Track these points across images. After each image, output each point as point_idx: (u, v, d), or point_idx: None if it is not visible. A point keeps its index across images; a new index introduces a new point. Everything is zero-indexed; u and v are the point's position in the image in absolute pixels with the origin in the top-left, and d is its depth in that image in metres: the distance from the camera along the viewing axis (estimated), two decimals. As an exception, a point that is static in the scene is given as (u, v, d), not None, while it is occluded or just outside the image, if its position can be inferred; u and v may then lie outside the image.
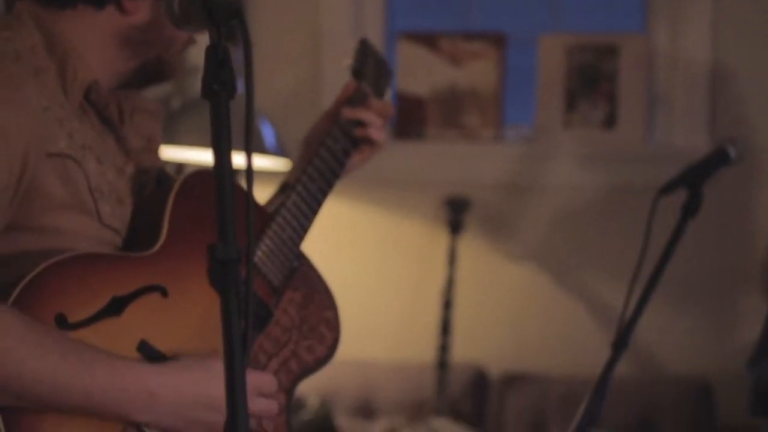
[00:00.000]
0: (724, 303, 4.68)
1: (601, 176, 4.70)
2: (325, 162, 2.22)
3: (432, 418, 4.50)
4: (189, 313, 1.90)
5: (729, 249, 4.68)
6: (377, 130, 2.27)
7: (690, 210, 2.78)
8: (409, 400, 4.61)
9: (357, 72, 2.41)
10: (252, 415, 1.76)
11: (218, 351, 1.75)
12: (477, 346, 4.75)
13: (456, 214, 4.73)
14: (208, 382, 1.80)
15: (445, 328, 4.59)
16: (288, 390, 2.03)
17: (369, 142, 2.29)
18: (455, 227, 4.71)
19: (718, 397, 4.49)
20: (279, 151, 4.38)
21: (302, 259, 2.18)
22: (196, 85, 4.69)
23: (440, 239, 4.75)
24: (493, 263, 4.79)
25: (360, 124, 2.28)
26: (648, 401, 4.51)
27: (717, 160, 2.79)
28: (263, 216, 2.14)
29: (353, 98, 2.31)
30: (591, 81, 4.78)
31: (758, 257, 4.55)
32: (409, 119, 4.89)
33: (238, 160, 4.29)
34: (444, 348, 4.56)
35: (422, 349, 4.68)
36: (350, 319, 4.82)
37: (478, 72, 4.87)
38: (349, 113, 2.25)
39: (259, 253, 2.06)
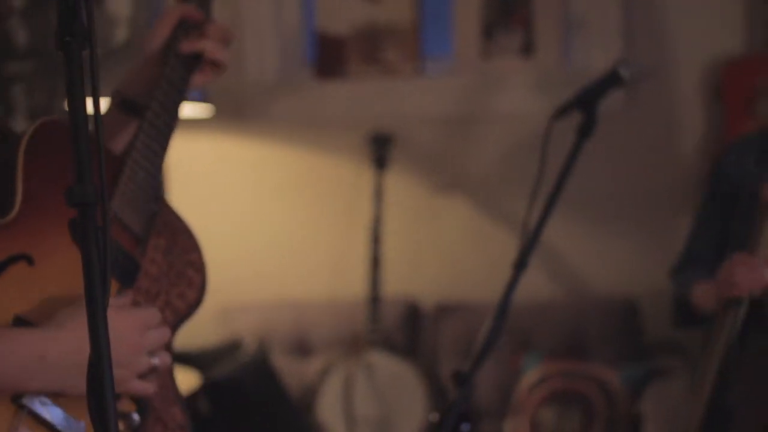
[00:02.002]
0: (650, 223, 4.75)
1: (521, 103, 4.75)
2: (167, 94, 2.05)
3: (367, 351, 4.57)
4: (59, 277, 1.80)
5: (655, 169, 4.75)
6: (220, 53, 2.11)
7: (585, 131, 2.81)
8: (344, 336, 4.68)
9: None
10: (148, 350, 1.79)
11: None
12: (408, 279, 4.82)
13: (380, 149, 4.78)
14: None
15: (375, 263, 4.65)
16: (168, 341, 1.91)
17: (214, 64, 2.13)
18: (380, 163, 4.76)
19: (645, 315, 4.58)
20: (200, 97, 4.41)
21: (160, 201, 2.03)
22: (116, 35, 4.73)
23: (366, 176, 4.80)
24: (419, 197, 4.85)
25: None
26: (576, 323, 4.60)
27: (609, 81, 2.82)
28: (113, 161, 1.99)
29: (187, 23, 2.12)
30: (507, 9, 4.82)
31: (684, 176, 4.64)
32: (330, 58, 4.92)
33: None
34: (375, 283, 4.62)
35: (354, 285, 4.75)
36: (281, 260, 4.92)
37: (395, 7, 4.90)
38: (188, 48, 2.08)
39: (115, 201, 1.94)
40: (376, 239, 4.67)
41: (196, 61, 2.09)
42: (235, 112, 4.88)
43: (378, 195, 4.72)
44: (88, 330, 1.65)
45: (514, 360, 4.52)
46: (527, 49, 4.81)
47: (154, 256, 1.95)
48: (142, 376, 1.80)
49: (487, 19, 4.83)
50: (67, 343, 1.70)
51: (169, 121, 2.05)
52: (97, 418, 1.38)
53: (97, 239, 1.48)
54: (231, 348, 4.58)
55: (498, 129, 4.79)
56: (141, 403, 1.84)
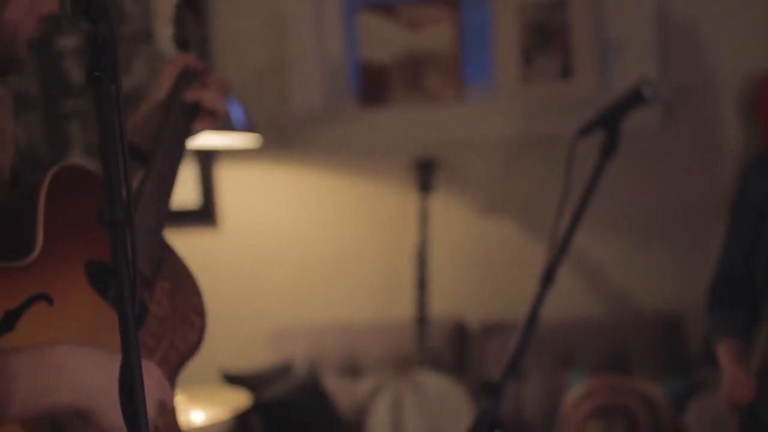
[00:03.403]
0: (693, 240, 4.80)
1: (561, 126, 4.82)
2: (171, 142, 2.13)
3: (415, 371, 4.67)
4: (77, 317, 1.84)
5: (695, 185, 4.81)
6: (218, 104, 2.21)
7: (609, 150, 2.89)
8: (392, 356, 4.77)
9: (181, 42, 2.31)
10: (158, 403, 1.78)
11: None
12: (454, 299, 4.92)
13: (425, 174, 4.89)
14: (111, 358, 1.71)
15: (422, 284, 4.75)
16: (170, 382, 1.96)
17: (210, 113, 2.23)
18: (425, 187, 4.88)
19: (687, 329, 4.64)
20: (248, 128, 4.53)
21: (167, 246, 2.09)
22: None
23: (411, 200, 4.92)
24: (463, 219, 4.95)
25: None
26: (619, 338, 4.66)
27: (631, 100, 2.90)
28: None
29: (188, 73, 2.21)
30: (545, 34, 4.93)
31: (723, 191, 4.69)
32: (374, 87, 5.05)
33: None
34: (422, 304, 4.72)
35: (401, 307, 4.86)
36: (330, 284, 5.04)
37: (436, 35, 5.02)
38: (190, 97, 2.17)
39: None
40: (422, 261, 4.78)
41: (196, 109, 2.18)
42: (282, 142, 5.01)
43: (423, 218, 4.83)
44: (121, 350, 1.69)
45: (558, 376, 4.60)
46: (565, 72, 4.90)
47: (160, 299, 2.00)
48: None
49: (526, 45, 4.93)
50: (86, 358, 1.70)
51: (174, 168, 2.12)
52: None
53: (126, 256, 1.58)
54: (282, 370, 4.70)
55: (539, 151, 4.88)
56: None
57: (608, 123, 2.93)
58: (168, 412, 1.88)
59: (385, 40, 5.05)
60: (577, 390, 4.49)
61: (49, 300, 1.79)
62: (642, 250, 4.84)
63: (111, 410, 1.68)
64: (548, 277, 2.79)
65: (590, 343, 4.65)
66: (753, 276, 3.01)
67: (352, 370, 4.84)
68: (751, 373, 2.87)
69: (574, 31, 4.89)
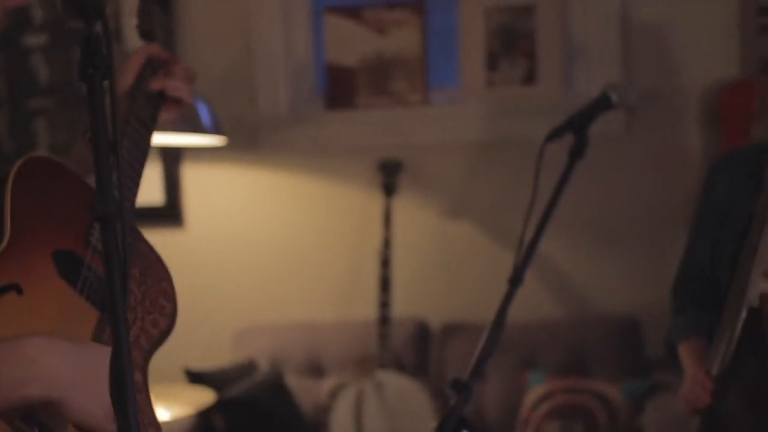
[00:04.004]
0: (652, 244, 4.88)
1: (526, 130, 4.89)
2: (137, 131, 2.14)
3: (377, 371, 4.71)
4: (45, 307, 1.85)
5: (656, 189, 4.89)
6: (183, 92, 2.23)
7: (576, 154, 2.94)
8: (355, 356, 4.81)
9: (146, 33, 2.32)
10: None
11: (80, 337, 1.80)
12: (417, 300, 4.97)
13: (389, 176, 4.94)
14: (84, 350, 1.75)
15: (385, 285, 4.79)
16: (143, 368, 1.98)
17: (176, 102, 2.24)
18: (389, 189, 4.92)
19: (646, 332, 4.71)
20: (214, 129, 4.56)
21: (135, 234, 2.08)
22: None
23: (376, 201, 4.96)
24: (427, 221, 5.01)
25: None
26: (579, 340, 4.72)
27: (600, 105, 2.95)
28: (90, 192, 2.02)
29: (153, 62, 2.23)
30: (510, 40, 4.99)
31: (683, 196, 4.77)
32: (340, 89, 5.09)
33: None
34: (385, 304, 4.77)
35: (364, 307, 4.90)
36: (295, 283, 5.06)
37: (402, 39, 5.07)
38: (155, 86, 2.20)
39: (94, 232, 1.97)
40: (385, 262, 4.82)
41: (162, 98, 2.20)
42: (248, 142, 5.04)
43: (387, 220, 4.88)
44: (88, 340, 1.75)
45: (519, 377, 4.66)
46: (530, 77, 4.97)
47: (130, 286, 1.98)
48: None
49: (492, 50, 4.99)
50: (56, 350, 1.71)
51: (141, 158, 2.12)
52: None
53: (118, 249, 1.60)
54: (246, 368, 4.73)
55: (502, 155, 4.94)
56: None
57: (577, 127, 2.97)
58: (139, 393, 1.90)
59: (351, 43, 5.09)
60: (537, 391, 4.55)
61: (19, 290, 1.82)
62: (602, 253, 4.91)
63: (81, 400, 1.71)
64: (517, 278, 2.82)
65: (550, 345, 4.72)
66: (716, 276, 3.07)
67: (315, 369, 4.88)
68: (712, 375, 2.92)
69: (540, 36, 4.95)
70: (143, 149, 2.14)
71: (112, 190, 1.65)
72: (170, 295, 2.07)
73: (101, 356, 1.72)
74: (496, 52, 5.00)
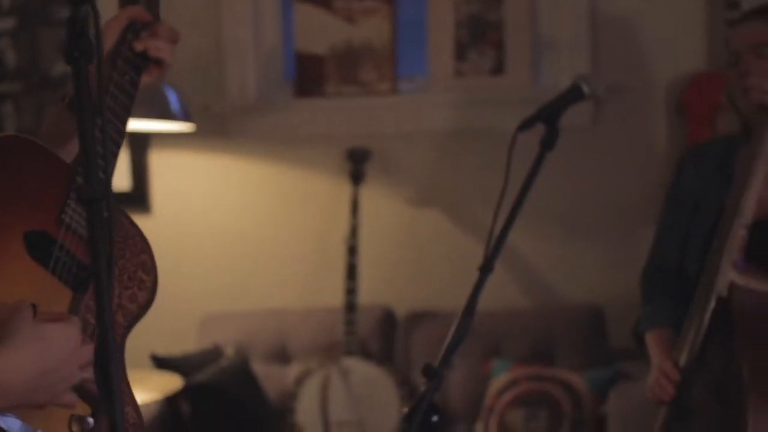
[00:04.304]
0: (618, 235, 4.93)
1: (493, 120, 4.92)
2: (117, 99, 2.05)
3: (343, 358, 4.74)
4: (16, 287, 1.85)
5: (622, 181, 4.93)
6: (166, 53, 2.12)
7: (548, 144, 2.96)
8: (321, 343, 4.83)
9: None
10: (74, 382, 1.78)
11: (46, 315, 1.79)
12: (384, 288, 4.99)
13: (357, 164, 4.96)
14: (44, 352, 1.75)
15: (351, 272, 4.82)
16: (120, 345, 1.97)
17: (157, 63, 2.13)
18: (357, 177, 4.94)
19: (610, 322, 4.75)
20: (183, 116, 4.57)
21: (111, 207, 2.00)
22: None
23: (343, 190, 4.98)
24: (394, 210, 5.03)
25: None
26: (544, 330, 4.76)
27: (571, 96, 2.96)
28: (64, 169, 1.97)
29: (135, 25, 2.13)
30: (479, 31, 5.02)
31: (649, 188, 4.81)
32: (309, 77, 5.10)
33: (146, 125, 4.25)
34: (351, 292, 4.79)
35: (331, 294, 4.92)
36: (262, 270, 5.08)
37: (372, 28, 5.08)
38: (141, 46, 2.09)
39: (68, 211, 1.94)
40: (352, 250, 4.85)
41: (145, 61, 2.10)
42: (217, 129, 5.04)
43: (355, 208, 4.90)
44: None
45: (484, 365, 4.69)
46: (499, 68, 5.00)
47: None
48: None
49: (461, 40, 5.02)
50: (14, 362, 1.71)
51: (120, 128, 2.06)
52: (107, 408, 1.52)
53: (102, 232, 1.61)
54: (212, 354, 4.74)
55: (470, 145, 4.97)
56: (95, 405, 1.88)
57: (548, 118, 2.98)
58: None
59: (321, 31, 5.10)
60: (501, 378, 4.59)
61: None
62: (567, 244, 4.95)
63: (33, 397, 1.74)
64: (487, 266, 2.84)
65: (515, 334, 4.76)
66: (685, 266, 3.11)
67: (281, 355, 4.89)
68: (680, 365, 2.96)
69: (509, 28, 4.98)
70: (123, 118, 2.07)
71: (98, 172, 1.67)
72: (150, 267, 2.06)
73: (48, 341, 1.74)
74: (464, 43, 5.02)
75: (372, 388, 4.70)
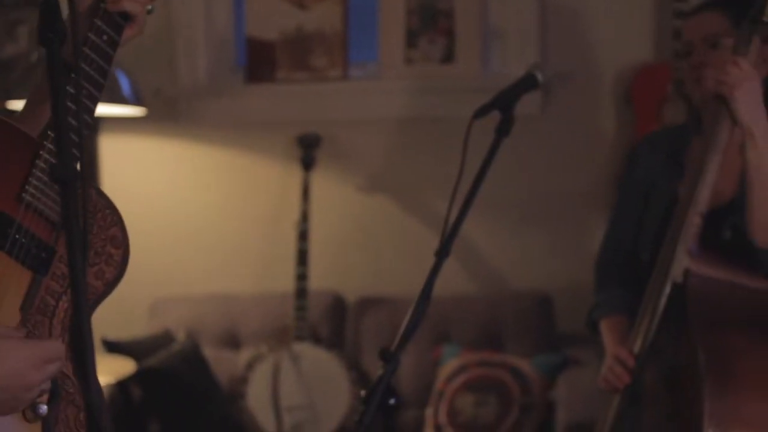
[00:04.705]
0: (566, 223, 4.98)
1: (441, 108, 4.96)
2: (91, 63, 1.97)
3: (294, 343, 4.76)
4: None
5: (570, 170, 4.98)
6: (141, 8, 2.03)
7: (502, 131, 2.99)
8: (272, 328, 4.85)
9: None
10: (42, 383, 1.81)
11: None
12: (333, 274, 5.02)
13: (308, 150, 4.97)
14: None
15: (302, 258, 4.84)
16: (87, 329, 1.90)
17: (132, 19, 2.04)
18: (307, 163, 4.96)
19: (558, 309, 4.81)
20: (134, 100, 4.55)
21: (80, 182, 1.92)
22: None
23: (294, 175, 4.99)
24: (344, 196, 5.05)
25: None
26: (493, 316, 4.80)
27: (526, 84, 3.00)
28: (29, 144, 1.91)
29: None
30: (429, 19, 5.04)
31: (597, 177, 4.87)
32: (260, 63, 5.10)
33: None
34: (301, 277, 4.81)
35: (282, 280, 4.93)
36: (212, 255, 5.09)
37: (324, 14, 5.10)
38: (113, 6, 2.00)
39: (29, 189, 1.89)
40: (303, 236, 4.86)
41: (125, 19, 2.02)
42: (168, 114, 5.04)
43: (305, 194, 4.92)
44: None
45: (434, 351, 4.73)
46: (449, 56, 5.03)
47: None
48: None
49: (411, 28, 5.05)
50: None
51: (94, 93, 1.97)
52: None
53: (77, 213, 1.62)
54: (163, 339, 4.74)
55: (419, 131, 5.00)
56: (51, 392, 1.87)
57: (503, 105, 3.02)
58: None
59: (272, 16, 5.11)
60: (451, 364, 4.63)
61: None
62: (516, 231, 4.99)
63: None
64: (443, 251, 2.87)
65: (465, 320, 4.80)
66: (638, 253, 3.16)
67: (232, 340, 4.90)
68: (634, 353, 3.00)
69: (459, 16, 5.01)
70: (97, 83, 1.98)
71: (71, 150, 1.68)
72: (120, 241, 2.00)
73: (12, 364, 1.76)
74: (415, 30, 5.05)
75: (322, 373, 4.72)
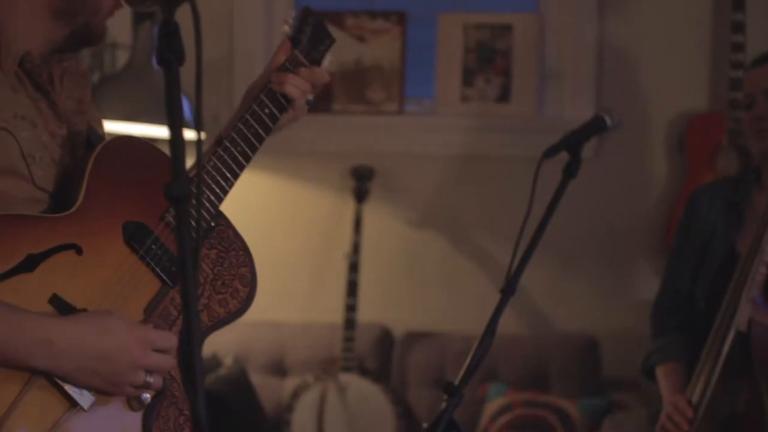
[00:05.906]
0: (613, 266, 4.99)
1: (495, 146, 5.00)
2: (250, 127, 2.26)
3: (340, 373, 4.78)
4: (100, 270, 1.98)
5: (620, 214, 5.00)
6: (296, 92, 2.34)
7: (570, 171, 3.04)
8: (319, 358, 4.87)
9: (293, 39, 2.43)
10: (146, 367, 1.93)
11: (118, 309, 1.95)
12: (382, 307, 5.04)
13: (361, 182, 5.01)
14: (104, 336, 1.90)
15: (351, 289, 4.86)
16: (199, 340, 2.02)
17: (291, 104, 2.36)
18: (360, 195, 5.00)
19: (604, 352, 4.82)
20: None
21: (220, 218, 2.26)
22: (113, 60, 4.93)
23: (347, 206, 5.03)
24: (395, 229, 5.08)
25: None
26: (539, 356, 4.81)
27: (595, 126, 3.04)
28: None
29: (285, 64, 2.34)
30: (487, 58, 5.08)
31: (646, 222, 4.88)
32: (318, 94, 5.13)
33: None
34: (350, 308, 4.84)
35: (331, 310, 4.96)
36: (263, 282, 5.07)
37: (383, 48, 5.14)
38: (277, 79, 2.29)
39: (172, 211, 2.07)
40: (353, 267, 4.90)
41: (285, 101, 2.32)
42: (225, 140, 5.07)
43: (357, 225, 4.95)
44: (110, 338, 1.90)
45: (480, 389, 4.74)
46: (505, 95, 5.06)
47: (200, 263, 2.13)
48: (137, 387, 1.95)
49: (468, 66, 5.08)
50: (75, 335, 1.88)
51: (246, 152, 2.29)
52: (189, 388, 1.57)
53: (190, 230, 1.67)
54: (211, 363, 4.77)
55: (472, 169, 5.03)
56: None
57: (571, 146, 3.06)
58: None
59: (332, 49, 5.14)
60: (497, 402, 4.64)
61: (78, 250, 1.97)
62: (565, 273, 5.00)
63: (78, 376, 1.89)
64: (509, 288, 2.90)
65: (512, 359, 4.81)
66: (695, 300, 3.18)
67: (279, 368, 4.93)
68: (693, 402, 3.01)
69: (516, 56, 5.05)
70: (251, 144, 2.29)
71: (185, 170, 1.72)
72: (248, 281, 2.21)
73: (109, 330, 1.90)
74: (472, 68, 5.09)
75: (367, 405, 4.74)
